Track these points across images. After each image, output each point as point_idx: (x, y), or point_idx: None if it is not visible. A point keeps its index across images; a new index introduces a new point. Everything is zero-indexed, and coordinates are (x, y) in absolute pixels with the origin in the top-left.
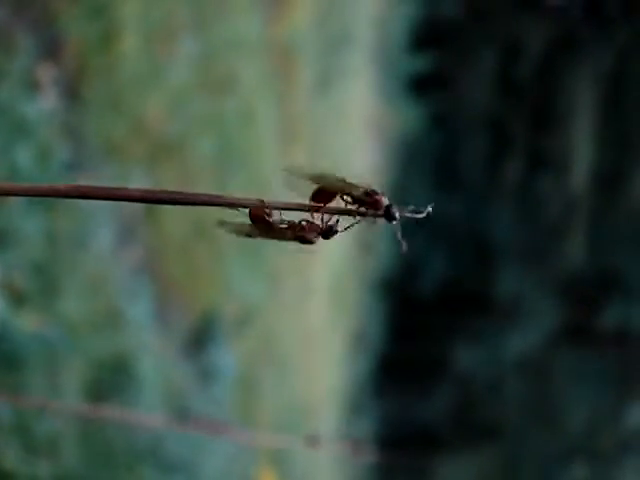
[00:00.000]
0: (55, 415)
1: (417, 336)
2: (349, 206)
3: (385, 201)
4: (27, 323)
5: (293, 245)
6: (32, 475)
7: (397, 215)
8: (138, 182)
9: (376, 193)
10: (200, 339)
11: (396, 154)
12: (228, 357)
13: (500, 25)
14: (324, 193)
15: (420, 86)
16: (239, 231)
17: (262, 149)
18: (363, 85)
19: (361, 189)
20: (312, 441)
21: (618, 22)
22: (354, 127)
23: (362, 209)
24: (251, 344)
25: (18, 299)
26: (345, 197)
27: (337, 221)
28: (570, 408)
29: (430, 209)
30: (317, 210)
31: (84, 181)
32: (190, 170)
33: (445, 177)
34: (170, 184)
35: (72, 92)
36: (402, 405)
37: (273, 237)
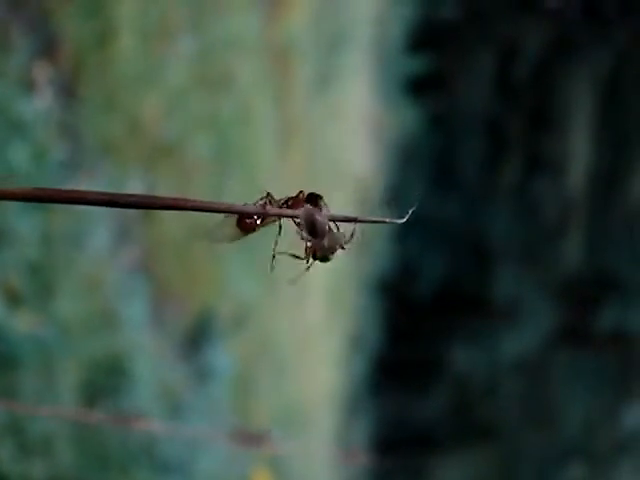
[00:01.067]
0: (49, 416)
1: (414, 337)
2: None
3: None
4: (22, 323)
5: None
6: (25, 476)
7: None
8: (135, 181)
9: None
10: (196, 339)
11: (393, 155)
12: (224, 358)
13: (498, 27)
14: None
15: (418, 87)
16: (227, 238)
17: (259, 149)
18: (361, 85)
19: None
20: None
21: (616, 24)
22: (352, 127)
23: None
24: (247, 345)
25: (13, 299)
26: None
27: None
28: (567, 409)
29: (411, 212)
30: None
31: (81, 180)
32: (187, 169)
33: (443, 178)
34: (167, 183)
35: (68, 91)
36: (399, 406)
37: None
